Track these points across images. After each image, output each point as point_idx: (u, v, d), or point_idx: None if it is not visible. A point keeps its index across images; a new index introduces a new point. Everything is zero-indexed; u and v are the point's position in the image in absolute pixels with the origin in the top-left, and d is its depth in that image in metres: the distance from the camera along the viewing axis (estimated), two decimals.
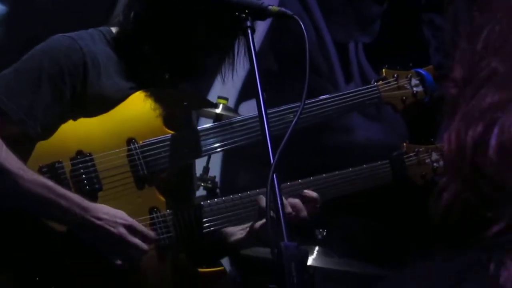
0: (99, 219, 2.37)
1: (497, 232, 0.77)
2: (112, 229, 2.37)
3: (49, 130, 2.44)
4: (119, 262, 2.42)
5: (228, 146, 2.61)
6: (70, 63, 2.44)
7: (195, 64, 2.57)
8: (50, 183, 2.37)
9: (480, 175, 0.78)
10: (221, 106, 4.21)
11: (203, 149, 2.60)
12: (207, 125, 2.65)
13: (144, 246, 2.43)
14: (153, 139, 2.52)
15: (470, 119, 0.81)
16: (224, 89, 4.90)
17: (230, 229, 2.65)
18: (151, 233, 2.46)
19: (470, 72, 0.85)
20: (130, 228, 2.40)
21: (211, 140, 2.58)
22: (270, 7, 2.27)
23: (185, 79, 2.66)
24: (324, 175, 2.68)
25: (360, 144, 5.48)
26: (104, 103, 2.49)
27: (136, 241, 2.41)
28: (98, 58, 2.50)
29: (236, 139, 2.60)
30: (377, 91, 2.77)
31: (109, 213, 2.39)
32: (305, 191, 2.59)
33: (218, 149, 2.64)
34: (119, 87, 2.53)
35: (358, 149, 5.37)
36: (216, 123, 2.67)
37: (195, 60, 2.56)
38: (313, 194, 2.59)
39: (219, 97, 4.34)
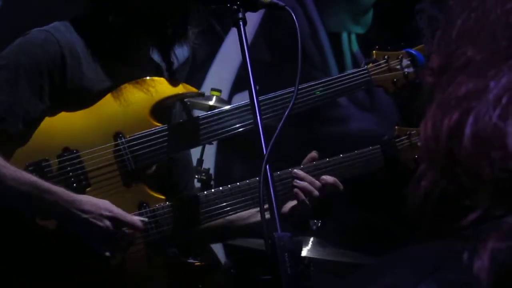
0: (84, 212, 2.35)
1: (473, 220, 0.77)
2: (97, 222, 2.35)
3: (30, 126, 2.42)
4: (107, 253, 2.41)
5: (221, 136, 2.60)
6: (47, 56, 2.42)
7: (177, 29, 2.54)
8: (33, 178, 2.35)
9: (456, 163, 0.78)
10: (214, 98, 4.20)
11: (198, 139, 2.58)
12: (201, 115, 2.62)
13: (131, 236, 2.42)
14: (140, 132, 2.50)
15: (445, 107, 0.81)
16: (217, 81, 4.91)
17: (243, 213, 2.63)
18: (139, 223, 2.43)
19: (446, 61, 0.85)
20: (115, 220, 2.38)
21: (206, 130, 2.57)
22: None
23: (169, 43, 2.59)
24: (314, 162, 2.66)
25: (354, 134, 5.48)
26: (86, 95, 2.46)
27: (122, 232, 2.40)
28: (77, 49, 2.48)
29: (228, 128, 2.58)
30: (367, 74, 2.73)
31: (94, 205, 2.37)
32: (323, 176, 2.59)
33: (214, 139, 2.64)
34: (101, 78, 2.51)
35: (352, 140, 5.37)
36: (207, 112, 2.64)
37: (176, 24, 2.53)
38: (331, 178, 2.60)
39: (212, 89, 4.32)
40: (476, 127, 0.77)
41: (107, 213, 2.37)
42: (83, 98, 2.47)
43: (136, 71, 2.58)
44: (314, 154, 2.66)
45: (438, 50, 0.87)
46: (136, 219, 2.42)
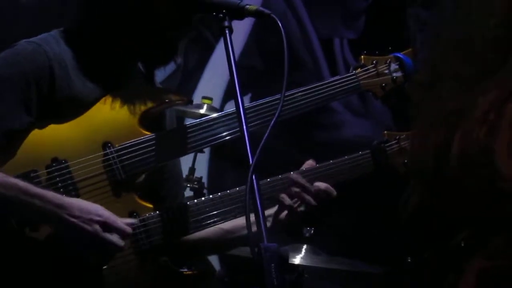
0: (74, 216, 2.33)
1: (461, 239, 0.76)
2: (86, 226, 2.33)
3: (17, 138, 2.41)
4: (96, 259, 2.39)
5: (210, 143, 2.59)
6: (35, 68, 2.41)
7: (166, 46, 2.54)
8: (21, 183, 2.33)
9: (443, 181, 0.77)
10: (205, 106, 4.19)
11: (187, 147, 2.57)
12: (189, 123, 2.61)
13: (120, 242, 2.38)
14: (129, 141, 2.49)
15: (432, 123, 0.79)
16: (208, 89, 4.90)
17: (238, 223, 2.62)
18: (128, 229, 2.41)
19: (434, 75, 0.84)
20: (105, 225, 2.36)
21: (194, 138, 2.56)
22: (247, 6, 2.25)
23: (158, 63, 2.61)
24: (304, 168, 2.65)
25: (347, 140, 5.47)
26: (75, 106, 2.45)
27: (111, 237, 2.37)
28: (65, 60, 2.47)
29: (217, 136, 2.57)
30: (356, 80, 2.73)
31: (84, 209, 2.35)
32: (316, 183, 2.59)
33: (202, 147, 2.63)
34: (90, 89, 2.50)
35: (345, 146, 5.36)
36: (196, 120, 2.63)
37: (165, 41, 2.53)
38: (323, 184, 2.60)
39: (204, 97, 4.31)
40: (463, 145, 0.75)
41: (97, 218, 2.35)
42: (72, 109, 2.45)
43: (125, 81, 2.57)
44: (311, 161, 2.66)
45: (426, 64, 0.85)
46: (126, 226, 2.41)
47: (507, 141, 0.73)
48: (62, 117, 2.45)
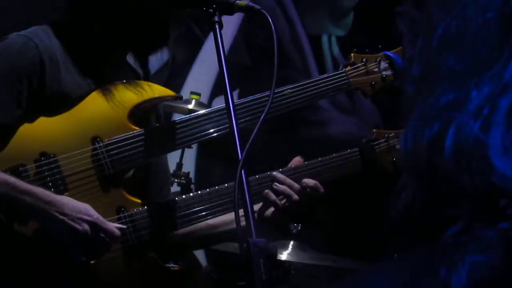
0: (64, 214, 2.33)
1: (454, 233, 0.76)
2: (76, 225, 2.34)
3: (7, 132, 2.41)
4: (83, 258, 2.39)
5: (199, 140, 2.60)
6: (26, 61, 2.41)
7: (158, 32, 2.53)
8: (11, 179, 2.34)
9: (437, 175, 0.77)
10: (193, 101, 4.19)
11: (175, 143, 2.57)
12: (177, 119, 2.62)
13: (108, 243, 2.40)
14: (118, 136, 2.49)
15: (426, 118, 0.79)
16: (197, 85, 4.89)
17: (226, 218, 2.62)
18: (116, 231, 2.42)
19: (427, 69, 0.83)
20: (94, 225, 2.36)
21: (183, 134, 2.56)
22: (237, 1, 2.25)
23: (151, 50, 2.59)
24: (293, 165, 2.66)
25: (336, 137, 5.48)
26: (65, 100, 2.45)
27: (100, 237, 2.38)
28: (56, 53, 2.47)
29: (205, 132, 2.57)
30: (345, 77, 2.73)
31: (74, 207, 2.35)
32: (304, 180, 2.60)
33: (191, 143, 2.63)
34: (79, 83, 2.50)
35: (334, 143, 5.36)
36: (185, 116, 2.63)
37: (157, 27, 2.52)
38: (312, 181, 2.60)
39: (192, 93, 4.30)
40: (457, 139, 0.75)
41: (87, 217, 2.35)
42: (62, 103, 2.45)
43: (114, 76, 2.57)
44: (298, 158, 2.67)
45: (419, 58, 0.85)
46: (114, 227, 2.41)
47: (501, 136, 0.74)
48: (51, 111, 2.44)
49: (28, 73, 2.40)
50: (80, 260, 2.39)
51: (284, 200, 2.58)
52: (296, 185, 2.58)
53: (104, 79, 2.54)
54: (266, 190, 2.59)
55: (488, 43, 0.79)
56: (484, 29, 0.80)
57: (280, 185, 2.58)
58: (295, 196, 2.57)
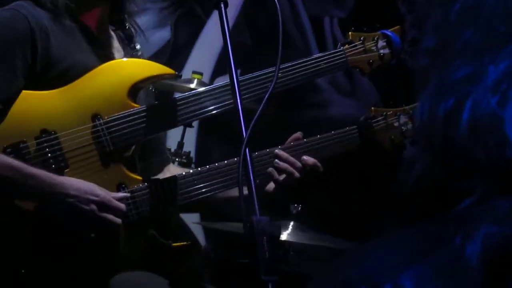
0: (70, 196, 2.35)
1: (468, 205, 0.76)
2: (83, 206, 2.35)
3: (7, 104, 2.41)
4: (92, 235, 2.40)
5: (199, 116, 2.60)
6: (17, 33, 2.42)
7: None
8: (15, 162, 2.34)
9: (452, 148, 0.77)
10: (195, 81, 4.18)
11: (176, 120, 2.58)
12: (178, 96, 2.62)
13: (116, 220, 2.41)
14: (118, 114, 2.50)
15: (442, 91, 0.79)
16: (199, 64, 4.88)
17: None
18: (122, 206, 2.43)
19: (443, 43, 0.83)
20: (101, 204, 2.37)
21: (183, 111, 2.56)
22: None
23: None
24: (292, 143, 2.66)
25: (334, 119, 5.47)
26: (58, 69, 2.46)
27: (108, 216, 2.39)
28: (45, 23, 2.46)
29: (206, 109, 2.57)
30: (343, 56, 2.73)
31: (79, 189, 2.36)
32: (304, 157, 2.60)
33: (191, 120, 2.63)
34: (70, 51, 2.50)
35: (332, 125, 5.35)
36: (186, 93, 2.64)
37: None
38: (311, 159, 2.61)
39: (194, 72, 4.30)
40: (473, 113, 0.75)
41: (93, 197, 2.37)
42: (55, 72, 2.46)
43: (107, 49, 2.60)
44: (298, 134, 2.67)
45: (435, 31, 0.85)
46: (120, 204, 2.42)
47: None
48: (45, 82, 2.45)
49: (20, 43, 2.41)
50: (90, 240, 2.40)
51: (285, 176, 2.59)
52: (298, 163, 2.59)
53: (96, 49, 2.56)
54: (270, 168, 2.59)
55: (507, 18, 0.79)
56: (501, 4, 0.80)
57: (282, 163, 2.59)
58: (297, 174, 2.58)
